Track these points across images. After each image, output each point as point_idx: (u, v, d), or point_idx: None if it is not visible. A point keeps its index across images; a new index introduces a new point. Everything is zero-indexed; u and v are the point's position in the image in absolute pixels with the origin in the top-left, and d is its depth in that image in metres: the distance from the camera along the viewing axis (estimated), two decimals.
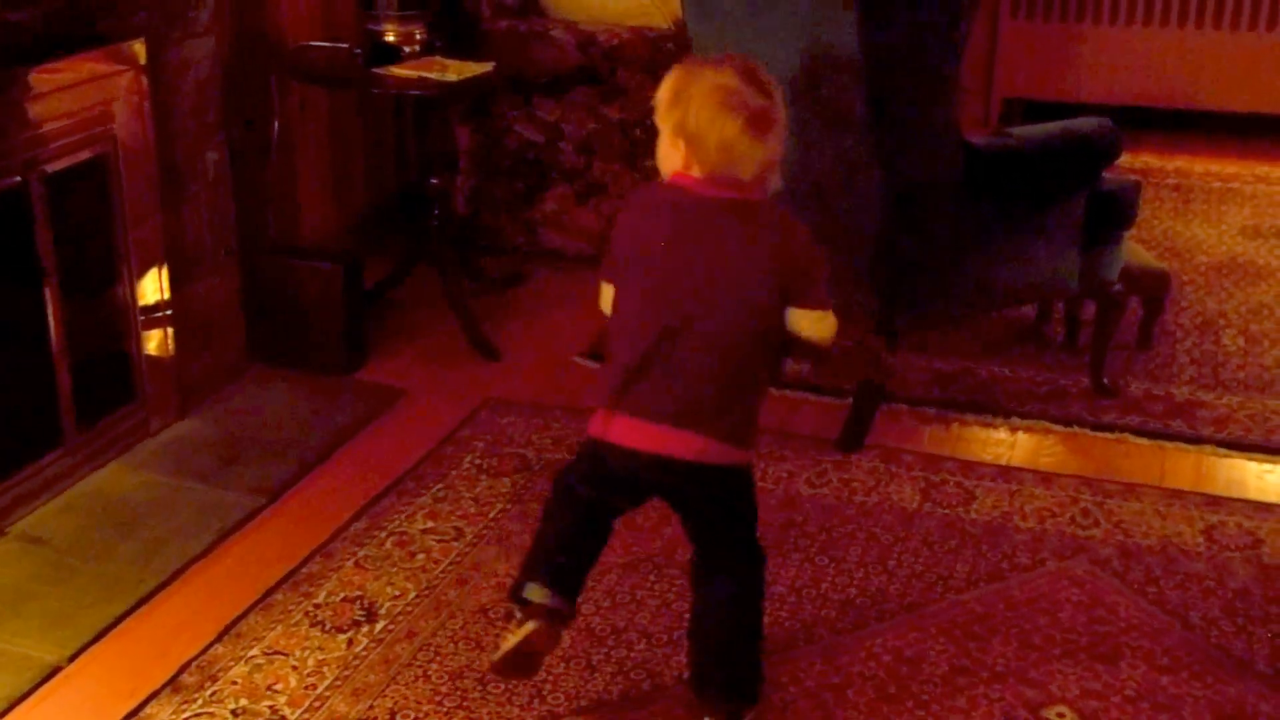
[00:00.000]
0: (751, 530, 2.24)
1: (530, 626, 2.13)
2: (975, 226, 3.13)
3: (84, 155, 2.94)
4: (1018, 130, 3.27)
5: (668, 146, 2.08)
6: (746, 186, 2.06)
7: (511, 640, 2.14)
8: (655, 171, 4.02)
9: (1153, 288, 3.67)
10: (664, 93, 2.07)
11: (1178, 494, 3.02)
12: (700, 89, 2.03)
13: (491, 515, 2.92)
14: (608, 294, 2.19)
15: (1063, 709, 2.33)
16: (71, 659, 2.46)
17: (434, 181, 3.86)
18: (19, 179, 2.76)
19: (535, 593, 2.15)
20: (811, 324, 2.09)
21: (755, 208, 2.07)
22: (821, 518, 2.92)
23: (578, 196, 4.27)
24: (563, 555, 2.19)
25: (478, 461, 3.14)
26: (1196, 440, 3.26)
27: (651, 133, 4.15)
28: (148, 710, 2.32)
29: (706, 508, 2.19)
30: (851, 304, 3.18)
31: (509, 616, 2.33)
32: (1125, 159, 3.60)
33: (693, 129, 2.02)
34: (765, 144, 2.04)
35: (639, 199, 2.22)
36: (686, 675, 2.30)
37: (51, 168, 2.84)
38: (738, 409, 2.10)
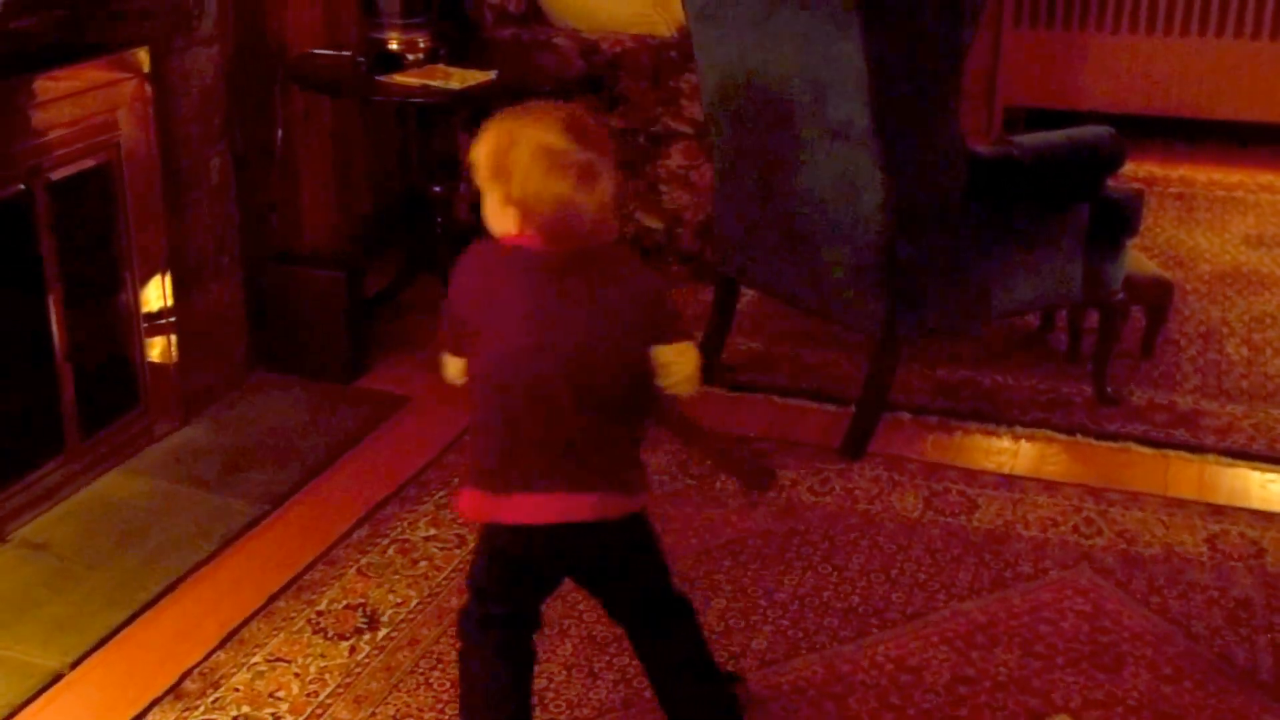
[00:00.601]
0: (669, 577, 2.16)
1: None
2: (978, 235, 3.14)
3: (88, 163, 2.94)
4: (1021, 139, 3.27)
5: (497, 211, 1.95)
6: (586, 237, 1.94)
7: None
8: (658, 178, 4.00)
9: (1156, 296, 3.67)
10: (484, 158, 1.94)
11: (1181, 503, 3.02)
12: (522, 154, 1.89)
13: None
14: (455, 365, 2.03)
15: (1065, 718, 2.33)
16: (74, 665, 2.46)
17: (437, 189, 3.87)
18: (23, 186, 2.77)
19: None
20: (677, 356, 2.00)
21: (599, 255, 1.97)
22: (824, 526, 2.92)
23: None
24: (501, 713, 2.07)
25: None
26: (1200, 449, 3.25)
27: (654, 140, 4.18)
28: (150, 717, 2.32)
29: (620, 567, 2.10)
30: (853, 313, 3.19)
31: None
32: (1128, 168, 3.61)
33: (520, 196, 1.90)
34: (596, 193, 1.91)
35: (475, 263, 2.00)
36: None
37: (56, 175, 2.85)
38: (626, 459, 2.03)
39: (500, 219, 1.95)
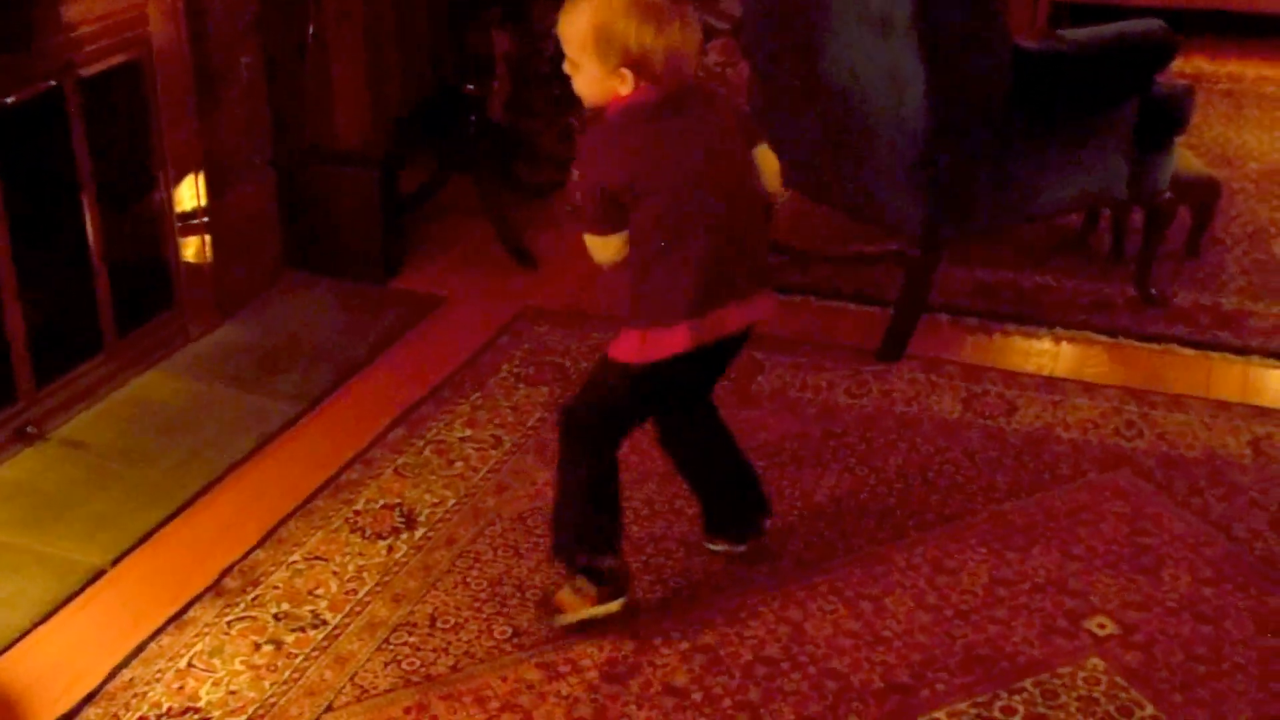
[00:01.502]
0: None
1: (617, 604, 2.26)
2: (1023, 133, 3.06)
3: (118, 59, 2.91)
4: (1069, 33, 3.18)
5: (605, 79, 2.06)
6: (691, 76, 2.12)
7: (592, 612, 2.26)
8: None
9: (1203, 196, 3.59)
10: (583, 32, 2.05)
11: (1224, 405, 2.98)
12: (621, 12, 2.02)
13: (529, 424, 2.91)
14: (616, 241, 2.14)
15: (1104, 620, 2.32)
16: (115, 562, 2.48)
17: (470, 87, 3.82)
18: (54, 83, 2.74)
19: (613, 563, 2.27)
20: (765, 155, 2.27)
21: (695, 87, 2.15)
22: (861, 428, 2.90)
23: None
24: (619, 517, 2.29)
25: (515, 370, 3.13)
26: (1244, 351, 3.20)
27: None
28: (191, 613, 2.35)
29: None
30: (894, 213, 3.13)
31: (572, 581, 2.30)
32: (1176, 64, 3.51)
33: (638, 54, 2.03)
34: (693, 36, 2.09)
35: (614, 135, 2.12)
36: (708, 526, 2.47)
37: (86, 72, 2.82)
38: (766, 256, 2.31)
39: (605, 86, 2.06)
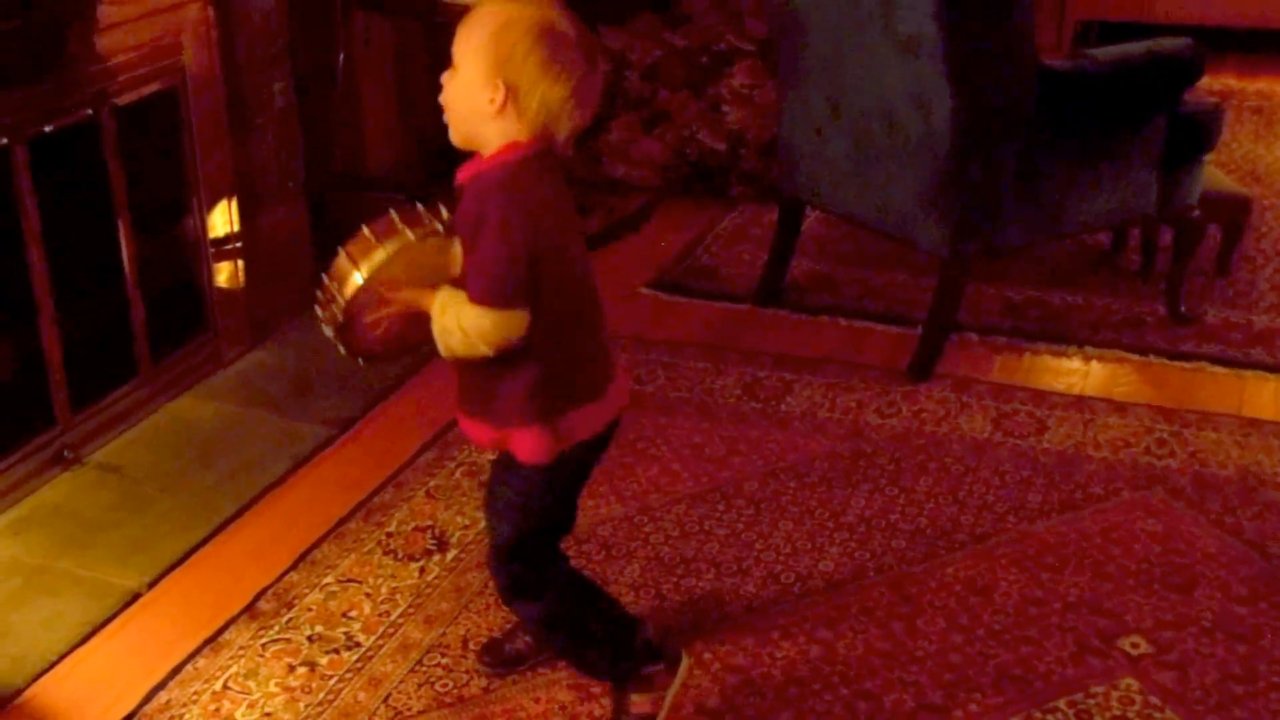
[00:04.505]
0: None
1: (685, 664, 2.14)
2: (1051, 151, 3.07)
3: (153, 87, 2.95)
4: (1096, 52, 3.19)
5: (478, 88, 1.78)
6: (560, 147, 1.85)
7: (674, 690, 2.11)
8: (721, 97, 3.90)
9: (1232, 213, 3.58)
10: (487, 24, 1.77)
11: (1256, 423, 2.96)
12: (532, 30, 1.76)
13: None
14: (522, 320, 1.80)
15: (1137, 639, 2.31)
16: (151, 585, 2.50)
17: None
18: (90, 112, 2.78)
19: (644, 637, 2.12)
20: None
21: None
22: (891, 448, 2.90)
23: (644, 125, 4.24)
24: (607, 599, 2.14)
25: None
26: (1277, 369, 3.19)
27: (717, 59, 4.12)
28: (226, 636, 2.36)
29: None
30: (921, 232, 3.14)
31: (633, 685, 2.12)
32: (1205, 81, 3.50)
33: (516, 80, 1.75)
34: (589, 108, 1.84)
35: (529, 196, 1.80)
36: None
37: (121, 100, 2.86)
38: None
39: (474, 96, 1.78)
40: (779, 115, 3.48)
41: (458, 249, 1.88)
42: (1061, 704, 2.17)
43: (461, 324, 1.78)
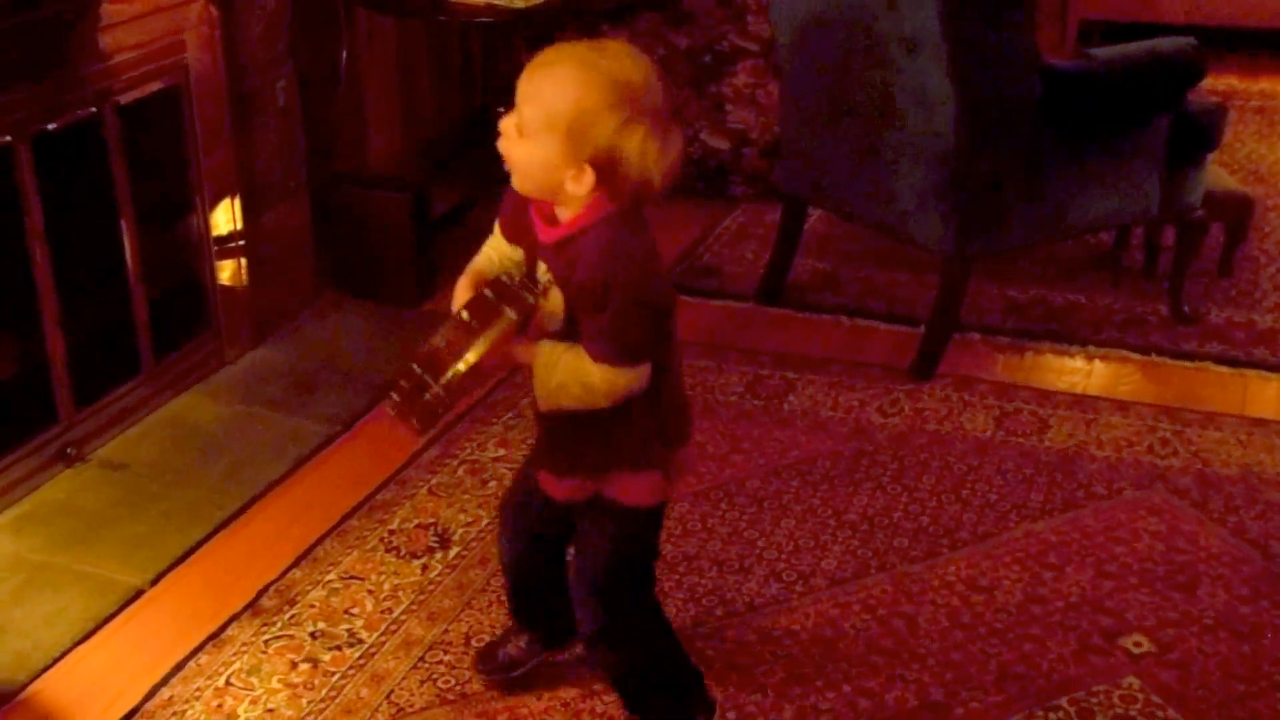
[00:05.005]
0: None
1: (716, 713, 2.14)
2: (1054, 151, 3.07)
3: (156, 86, 2.95)
4: (1099, 51, 3.18)
5: (558, 168, 1.69)
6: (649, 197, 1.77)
7: None
8: (724, 97, 3.89)
9: (1235, 212, 3.58)
10: (562, 107, 1.65)
11: (1260, 422, 2.96)
12: (617, 103, 1.65)
13: None
14: (645, 373, 1.78)
15: (1139, 638, 2.31)
16: (154, 582, 2.51)
17: (501, 110, 3.84)
18: (93, 110, 2.78)
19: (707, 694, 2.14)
20: None
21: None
22: (893, 446, 2.90)
23: None
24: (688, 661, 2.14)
25: None
26: (1279, 368, 3.19)
27: (720, 59, 4.12)
28: (229, 632, 2.37)
29: None
30: (924, 231, 3.14)
31: None
32: (1208, 81, 3.51)
33: (612, 157, 1.66)
34: (676, 153, 1.73)
35: (645, 250, 1.76)
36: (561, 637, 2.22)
37: (125, 99, 2.86)
38: None
39: (553, 174, 1.70)
40: (782, 114, 3.48)
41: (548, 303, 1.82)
42: (1063, 702, 2.17)
43: (585, 382, 1.75)
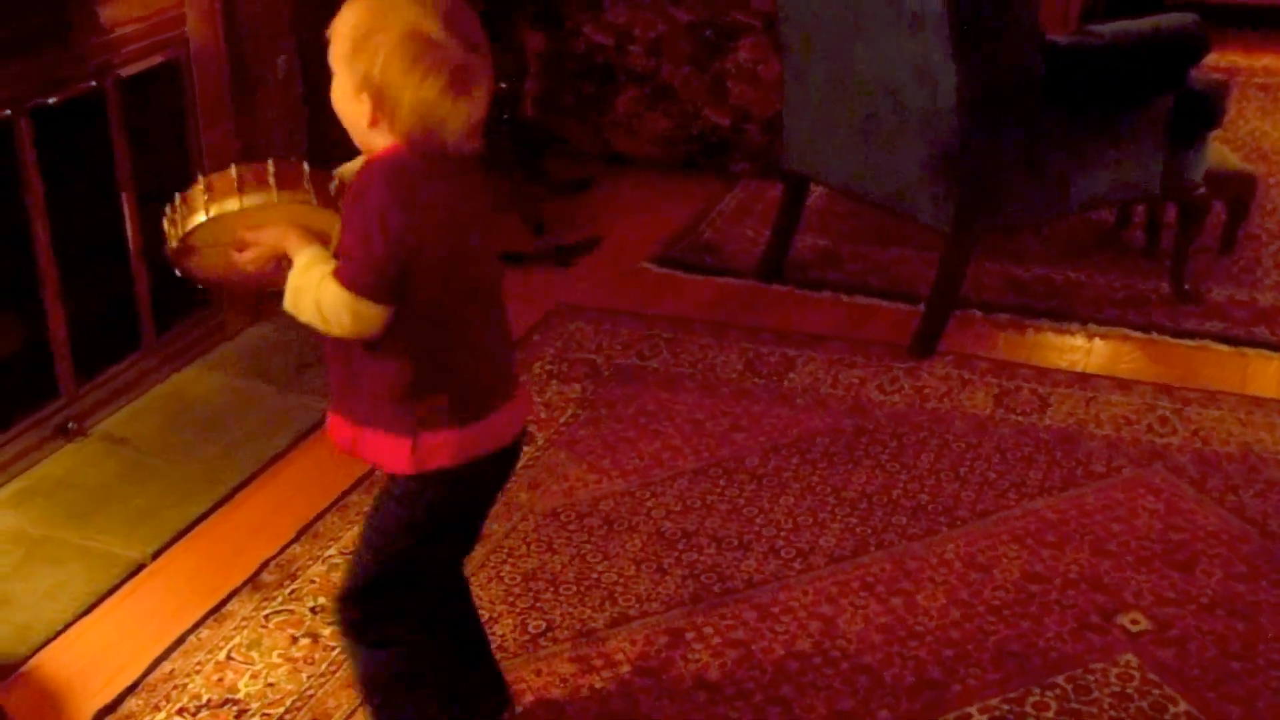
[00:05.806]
0: None
1: None
2: (1055, 127, 3.06)
3: (157, 59, 2.94)
4: (1102, 28, 3.17)
5: (351, 99, 1.69)
6: (455, 148, 1.72)
7: None
8: (725, 73, 3.90)
9: (1238, 190, 3.58)
10: (346, 30, 1.68)
11: (1259, 401, 2.97)
12: (391, 35, 1.64)
13: (561, 420, 2.93)
14: (381, 315, 1.69)
15: (1137, 615, 2.32)
16: (155, 556, 2.51)
17: (502, 85, 3.83)
18: (94, 83, 2.78)
19: None
20: None
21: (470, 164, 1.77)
22: (893, 424, 2.90)
23: (648, 99, 4.23)
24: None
25: (548, 367, 3.15)
26: (1279, 347, 3.19)
27: (721, 34, 4.11)
28: (230, 607, 2.37)
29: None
30: (925, 208, 3.13)
31: None
32: (1211, 58, 3.49)
33: (380, 88, 1.65)
34: (477, 106, 1.70)
35: (413, 196, 1.68)
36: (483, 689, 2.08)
37: (125, 72, 2.85)
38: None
39: (352, 107, 1.70)
40: (783, 91, 3.47)
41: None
42: (1061, 680, 2.18)
43: (319, 295, 1.69)
